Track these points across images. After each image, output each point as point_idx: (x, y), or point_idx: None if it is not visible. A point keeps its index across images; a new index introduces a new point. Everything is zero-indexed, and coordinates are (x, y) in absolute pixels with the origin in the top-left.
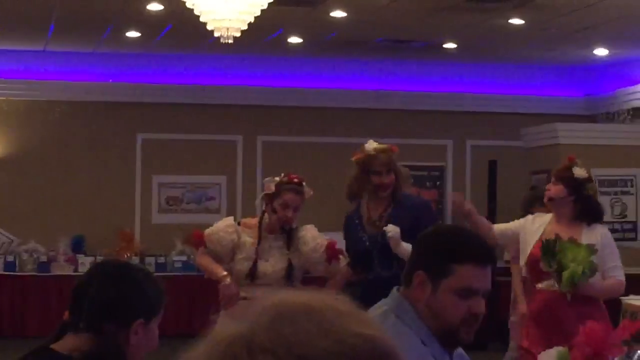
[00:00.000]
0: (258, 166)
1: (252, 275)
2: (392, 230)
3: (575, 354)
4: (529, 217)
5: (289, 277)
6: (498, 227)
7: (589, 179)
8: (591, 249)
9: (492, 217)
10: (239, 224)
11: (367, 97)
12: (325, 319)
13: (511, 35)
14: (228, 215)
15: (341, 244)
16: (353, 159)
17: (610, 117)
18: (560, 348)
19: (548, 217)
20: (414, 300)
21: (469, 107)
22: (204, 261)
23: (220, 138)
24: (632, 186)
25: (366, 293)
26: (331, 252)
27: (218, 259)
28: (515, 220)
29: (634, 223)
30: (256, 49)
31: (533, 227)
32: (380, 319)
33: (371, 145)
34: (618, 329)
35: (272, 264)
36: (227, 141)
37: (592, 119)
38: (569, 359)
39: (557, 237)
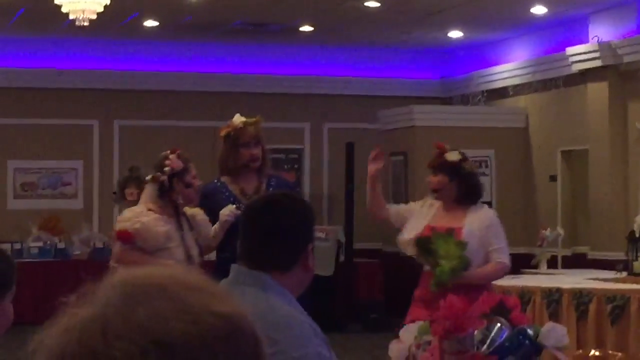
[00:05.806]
0: (115, 150)
1: (191, 260)
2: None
3: (435, 327)
4: (420, 202)
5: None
6: (393, 207)
7: (463, 159)
8: (462, 244)
9: (350, 199)
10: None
11: (225, 81)
12: (179, 298)
13: (367, 18)
14: (85, 200)
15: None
16: (221, 134)
17: (465, 99)
18: (421, 322)
19: (438, 204)
20: None
21: (326, 90)
22: (137, 257)
23: (76, 122)
24: (486, 167)
25: None
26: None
27: (143, 252)
28: (411, 203)
29: (489, 203)
30: (112, 33)
31: (423, 211)
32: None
33: (239, 118)
34: (478, 302)
35: (192, 246)
36: (83, 125)
37: (447, 101)
38: (429, 332)
39: (433, 231)
